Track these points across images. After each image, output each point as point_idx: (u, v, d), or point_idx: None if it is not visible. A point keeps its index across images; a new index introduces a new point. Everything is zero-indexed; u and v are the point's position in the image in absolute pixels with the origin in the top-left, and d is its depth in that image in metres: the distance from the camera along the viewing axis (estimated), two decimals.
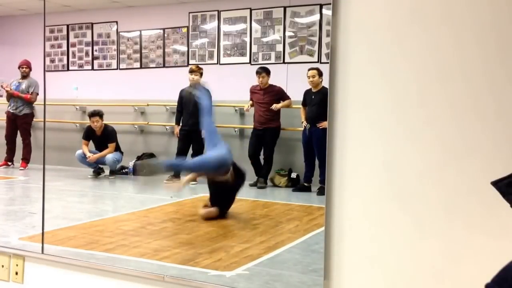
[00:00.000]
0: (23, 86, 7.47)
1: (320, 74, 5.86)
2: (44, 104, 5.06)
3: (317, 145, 5.74)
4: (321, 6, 6.17)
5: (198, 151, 6.42)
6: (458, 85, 1.93)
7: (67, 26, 7.97)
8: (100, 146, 6.88)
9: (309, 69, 5.93)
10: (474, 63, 1.91)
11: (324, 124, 5.52)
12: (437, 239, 1.98)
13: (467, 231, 1.94)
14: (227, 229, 4.18)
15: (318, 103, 5.78)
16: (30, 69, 7.51)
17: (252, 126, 6.33)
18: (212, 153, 4.62)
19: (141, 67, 7.55)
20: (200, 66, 6.61)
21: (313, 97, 5.90)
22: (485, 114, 1.89)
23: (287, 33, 6.55)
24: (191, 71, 6.45)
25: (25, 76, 7.51)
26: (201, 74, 6.47)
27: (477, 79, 1.90)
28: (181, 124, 6.59)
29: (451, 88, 1.94)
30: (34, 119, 7.50)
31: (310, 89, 5.93)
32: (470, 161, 1.92)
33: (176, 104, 6.62)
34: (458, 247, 1.95)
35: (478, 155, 1.91)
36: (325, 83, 5.70)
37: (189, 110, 6.51)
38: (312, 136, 5.81)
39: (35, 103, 7.44)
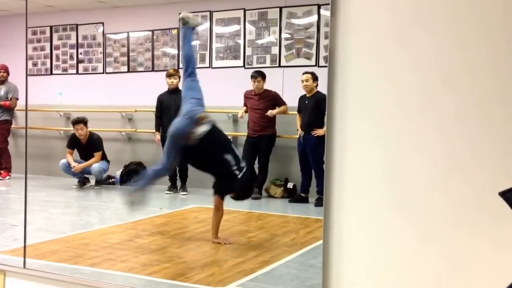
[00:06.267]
0: (1, 92, 7.44)
1: (314, 78, 5.84)
2: (26, 110, 5.02)
3: (311, 153, 5.72)
4: (319, 6, 6.19)
5: None
6: (464, 90, 1.93)
7: (51, 27, 7.97)
8: (86, 155, 6.86)
9: (303, 73, 5.92)
10: (480, 66, 1.91)
11: (318, 132, 5.61)
12: (441, 252, 1.98)
13: (473, 243, 1.94)
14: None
15: (312, 109, 5.77)
16: (8, 74, 7.50)
17: (246, 134, 6.32)
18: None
19: (128, 71, 7.54)
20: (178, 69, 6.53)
21: (306, 102, 5.89)
22: (493, 120, 1.90)
23: (283, 35, 6.57)
24: (169, 75, 6.40)
25: (2, 81, 7.50)
26: (179, 77, 6.40)
27: (484, 83, 1.91)
28: (161, 131, 6.47)
29: (456, 93, 1.94)
30: (15, 126, 7.50)
31: (305, 94, 5.93)
32: (476, 170, 1.93)
33: (155, 110, 6.56)
34: (463, 260, 1.95)
35: (485, 164, 1.91)
36: (321, 88, 5.73)
37: (170, 115, 6.39)
38: (306, 144, 5.80)
39: (15, 109, 7.43)
